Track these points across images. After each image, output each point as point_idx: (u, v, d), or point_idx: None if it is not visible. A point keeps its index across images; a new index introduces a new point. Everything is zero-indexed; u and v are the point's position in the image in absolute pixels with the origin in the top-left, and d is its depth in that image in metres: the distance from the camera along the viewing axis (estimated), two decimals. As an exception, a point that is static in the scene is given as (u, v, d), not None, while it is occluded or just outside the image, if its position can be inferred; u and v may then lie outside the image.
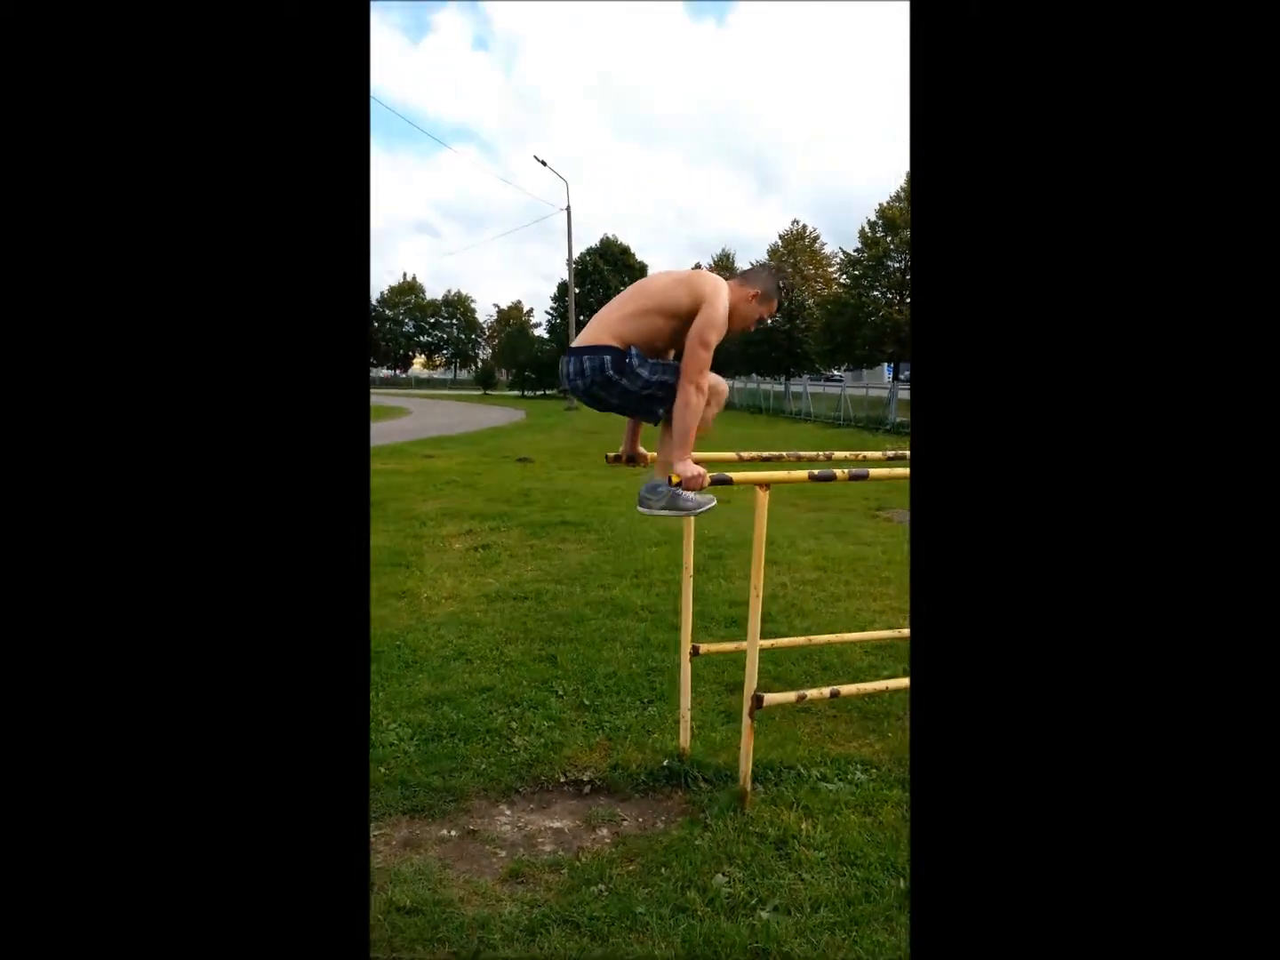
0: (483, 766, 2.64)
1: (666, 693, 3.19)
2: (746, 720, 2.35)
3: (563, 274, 41.80)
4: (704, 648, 2.89)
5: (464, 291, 69.24)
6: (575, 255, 37.73)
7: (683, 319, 2.26)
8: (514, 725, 2.94)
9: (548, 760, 2.70)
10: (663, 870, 2.08)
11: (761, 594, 2.32)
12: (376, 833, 2.26)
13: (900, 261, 31.05)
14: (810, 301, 38.32)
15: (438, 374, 73.05)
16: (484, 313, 70.61)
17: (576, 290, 34.03)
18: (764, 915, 1.90)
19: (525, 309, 66.81)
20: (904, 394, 19.09)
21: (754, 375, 37.42)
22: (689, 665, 2.75)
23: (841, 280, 35.69)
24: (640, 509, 2.37)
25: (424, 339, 67.97)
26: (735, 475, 2.29)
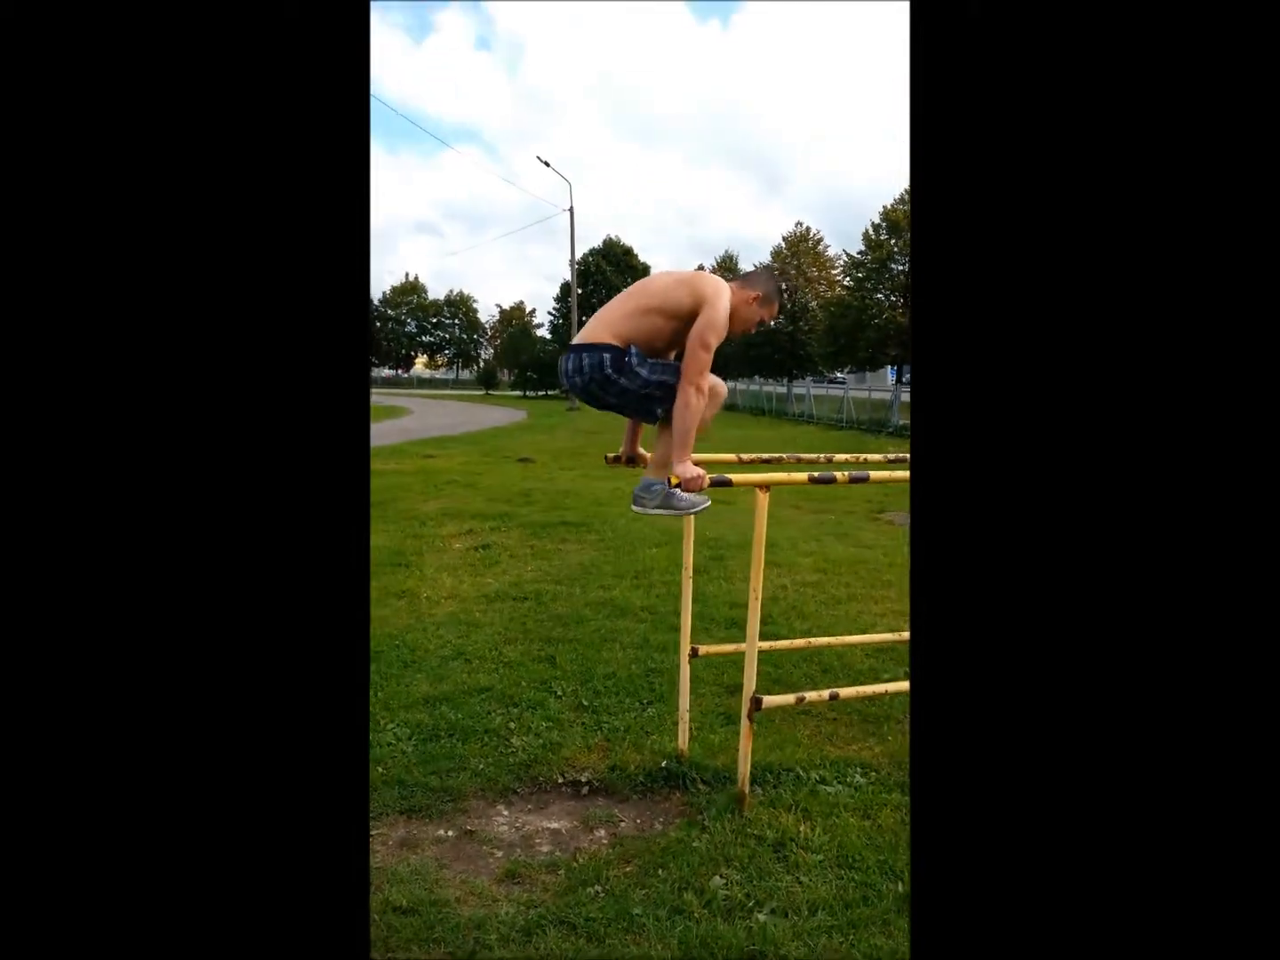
0: (480, 767, 2.63)
1: (666, 694, 3.19)
2: (745, 722, 2.34)
3: (565, 274, 41.88)
4: (703, 649, 2.88)
5: (466, 292, 69.40)
6: (578, 256, 37.81)
7: (683, 319, 2.26)
8: (512, 726, 2.94)
9: (546, 761, 2.69)
10: (660, 872, 2.08)
11: (761, 596, 2.32)
12: (374, 832, 2.26)
13: (904, 264, 31.03)
14: (813, 303, 38.32)
15: (440, 374, 73.11)
16: (486, 313, 70.78)
17: (579, 291, 34.04)
18: (761, 918, 1.89)
19: (528, 309, 66.84)
20: (907, 397, 19.07)
21: (756, 377, 37.42)
22: (688, 667, 2.75)
23: (845, 282, 35.69)
24: (634, 508, 2.37)
25: (426, 339, 68.04)
26: (735, 477, 2.29)
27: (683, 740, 2.72)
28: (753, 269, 2.90)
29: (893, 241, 31.08)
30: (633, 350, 2.24)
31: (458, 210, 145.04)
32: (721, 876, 2.06)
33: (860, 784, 2.54)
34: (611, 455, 2.68)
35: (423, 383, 67.89)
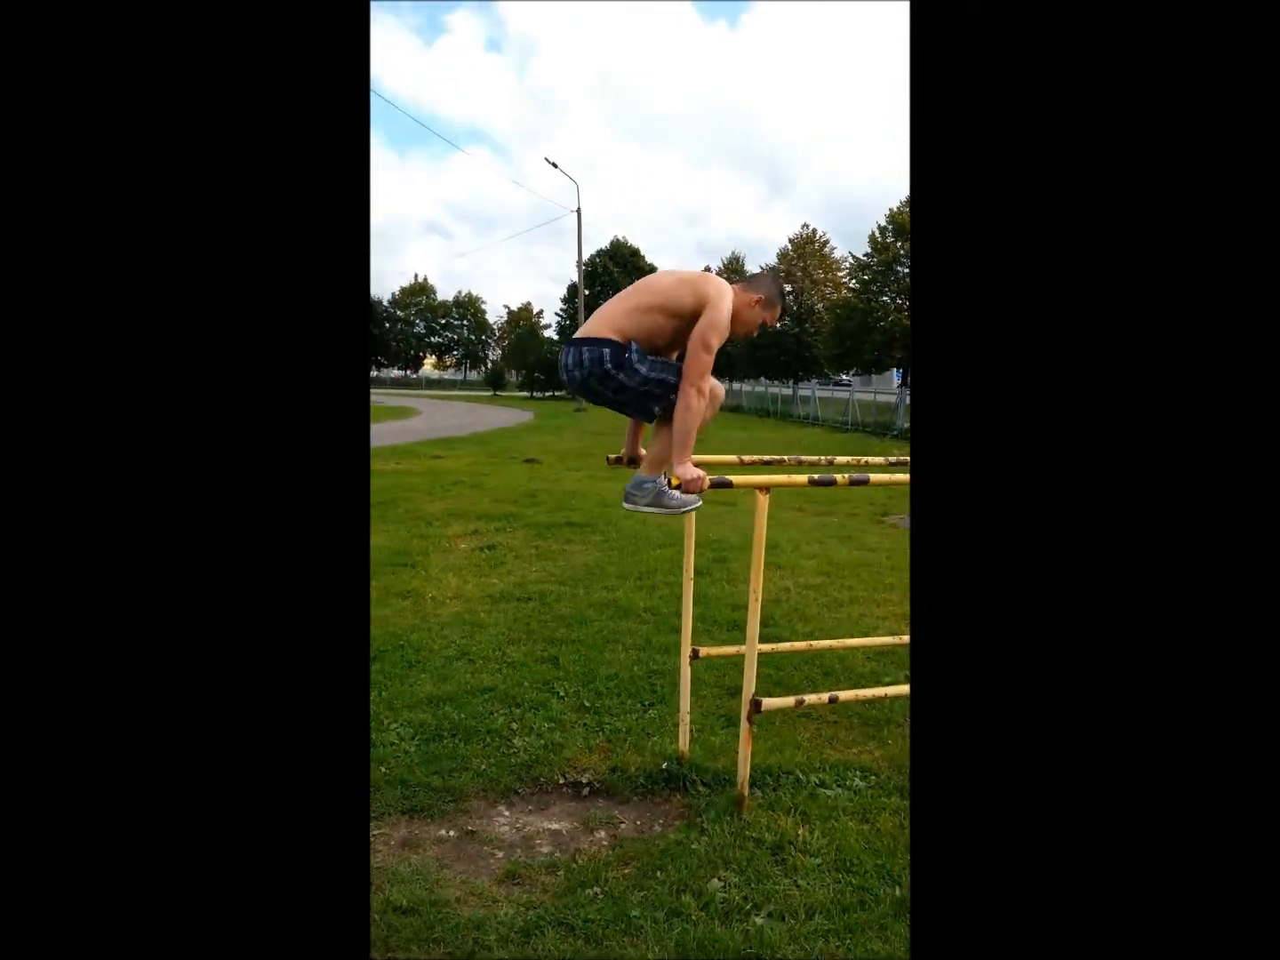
0: (482, 767, 2.64)
1: (667, 695, 3.20)
2: (744, 725, 2.35)
3: (572, 275, 41.95)
4: (704, 651, 2.89)
5: (474, 293, 69.76)
6: (585, 257, 37.82)
7: (685, 319, 2.27)
8: (514, 726, 2.95)
9: (547, 761, 2.70)
10: (658, 874, 2.08)
11: (762, 598, 2.32)
12: (375, 832, 2.27)
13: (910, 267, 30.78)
14: (819, 306, 38.24)
15: (448, 375, 73.19)
16: (494, 314, 70.90)
17: (586, 292, 34.06)
18: (758, 921, 1.90)
19: (535, 310, 66.97)
20: (913, 399, 18.97)
21: (762, 379, 37.35)
22: (689, 668, 2.76)
23: (851, 285, 35.58)
24: (625, 505, 2.38)
25: (434, 340, 68.14)
26: (735, 478, 2.30)
27: (683, 742, 2.73)
28: (759, 270, 2.90)
29: (899, 244, 30.99)
30: (633, 347, 2.24)
31: (466, 212, 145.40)
32: (720, 879, 2.06)
33: (860, 787, 2.54)
34: (613, 456, 2.69)
35: (431, 383, 68.01)
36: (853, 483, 2.35)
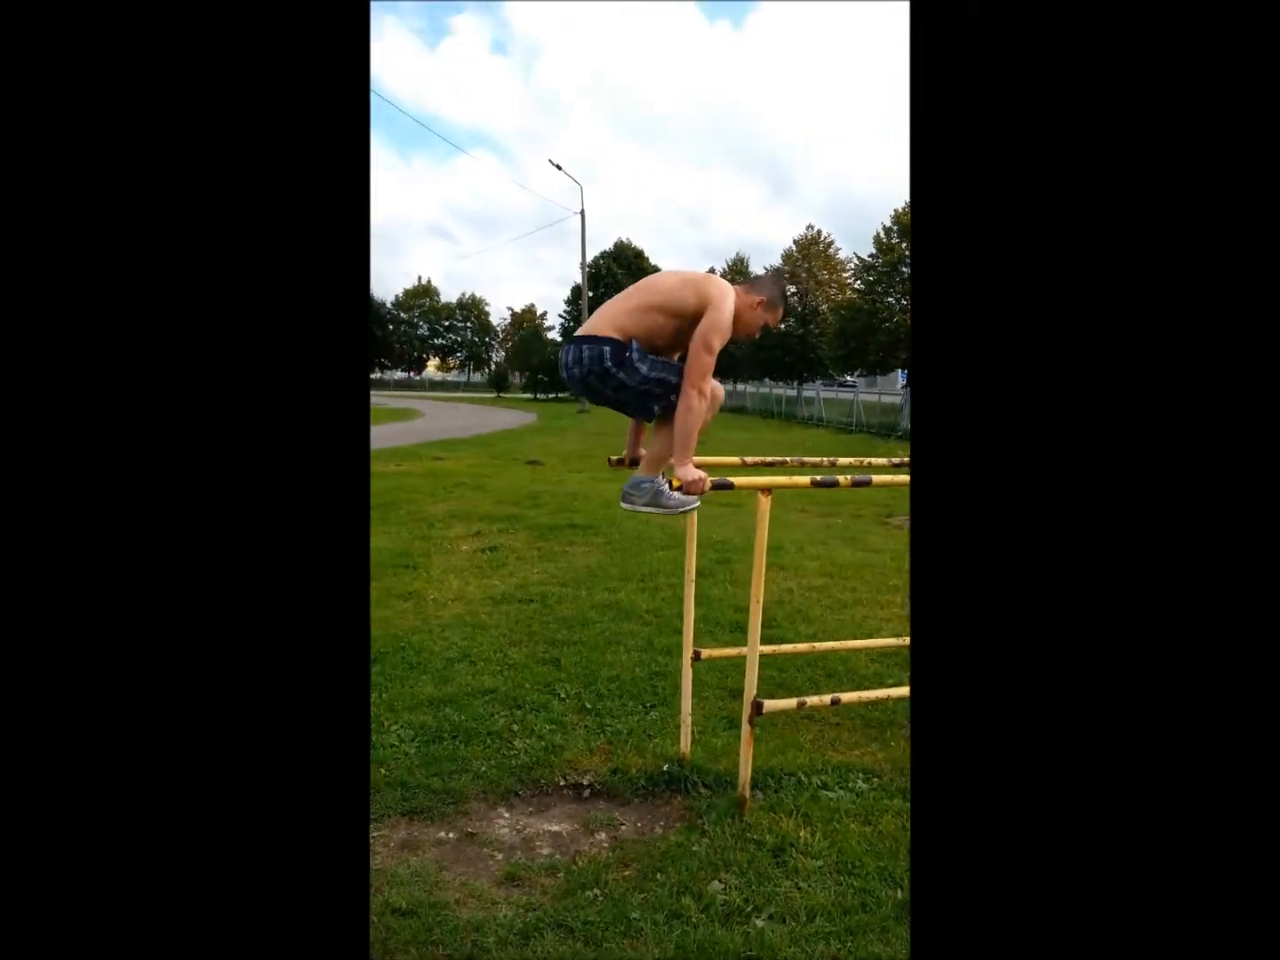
0: (483, 769, 2.64)
1: (669, 697, 3.19)
2: (746, 727, 2.34)
3: (576, 277, 41.99)
4: (706, 653, 2.88)
5: (478, 295, 69.63)
6: (589, 259, 37.88)
7: (687, 320, 2.26)
8: (515, 728, 2.95)
9: (548, 763, 2.69)
10: (659, 876, 2.08)
11: (764, 600, 2.32)
12: (375, 834, 2.26)
13: (915, 267, 30.67)
14: (824, 306, 38.22)
15: (451, 376, 73.38)
16: (498, 316, 71.02)
17: (590, 294, 34.10)
18: (759, 923, 1.89)
19: (539, 312, 67.08)
20: (917, 400, 18.96)
21: (766, 380, 37.34)
22: (690, 670, 2.75)
23: (856, 285, 35.57)
24: (623, 505, 2.38)
25: (438, 342, 68.31)
26: (736, 480, 2.29)
27: (685, 744, 2.72)
28: (763, 271, 2.90)
29: (904, 245, 30.98)
30: (634, 345, 2.24)
31: (469, 214, 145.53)
32: (720, 881, 2.05)
33: (862, 789, 2.53)
34: (615, 458, 2.69)
35: (435, 385, 68.17)
36: (855, 484, 2.34)
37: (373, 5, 1.07)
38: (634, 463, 2.62)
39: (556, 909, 1.94)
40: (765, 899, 1.98)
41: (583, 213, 30.52)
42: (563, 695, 3.24)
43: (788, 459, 2.84)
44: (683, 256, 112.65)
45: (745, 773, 2.36)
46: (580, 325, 2.50)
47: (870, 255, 32.51)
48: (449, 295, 69.29)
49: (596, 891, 2.02)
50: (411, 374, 69.66)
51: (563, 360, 2.33)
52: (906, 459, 2.77)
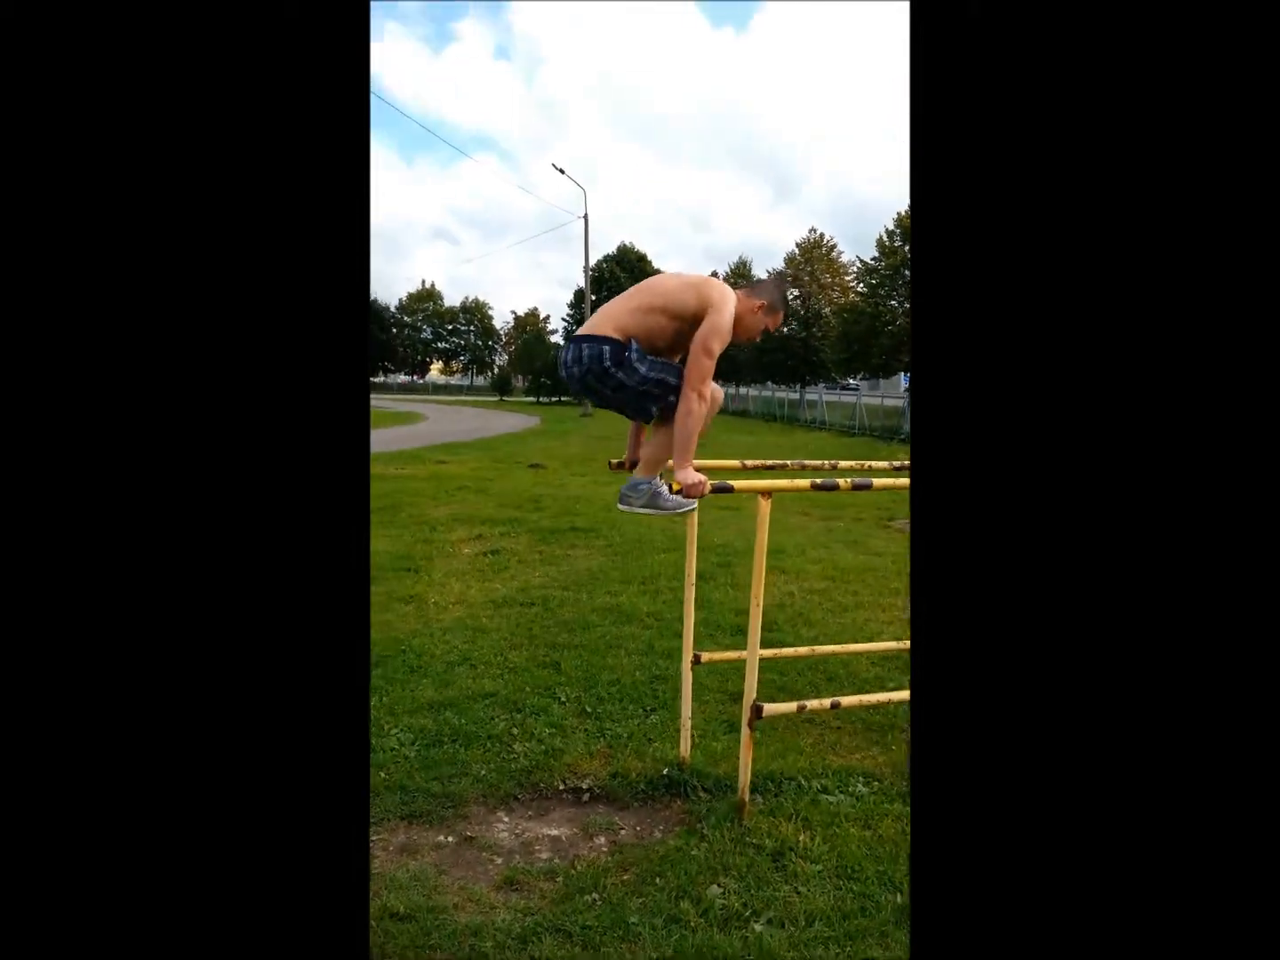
0: (483, 773, 2.63)
1: (669, 701, 3.18)
2: (746, 730, 2.33)
3: (579, 281, 42.01)
4: (706, 656, 2.88)
5: (481, 298, 69.73)
6: (592, 262, 37.94)
7: (687, 322, 2.26)
8: (515, 731, 2.94)
9: (548, 767, 2.69)
10: (657, 880, 2.07)
11: (763, 603, 2.31)
12: (374, 838, 2.26)
13: (918, 270, 30.60)
14: (827, 310, 38.20)
15: (455, 380, 73.40)
16: (501, 319, 71.10)
17: (593, 297, 34.13)
18: (757, 928, 1.88)
19: (542, 316, 67.08)
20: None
21: (769, 383, 37.32)
22: (690, 673, 2.74)
23: (858, 289, 35.54)
24: (620, 506, 2.38)
25: (442, 345, 68.33)
26: (736, 483, 2.29)
27: (685, 748, 2.72)
28: (765, 275, 2.90)
29: (907, 248, 30.97)
30: (633, 346, 2.24)
31: (473, 218, 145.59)
32: (719, 885, 2.05)
33: (862, 793, 2.52)
34: (615, 461, 2.69)
35: (438, 389, 68.22)
36: (855, 487, 2.34)
37: (377, 12, 1.07)
38: (634, 465, 2.62)
39: (555, 913, 1.94)
40: (764, 903, 1.97)
41: (586, 217, 30.59)
42: (563, 699, 3.24)
43: (788, 462, 2.84)
44: (685, 259, 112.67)
45: (745, 776, 2.35)
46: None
47: (873, 258, 32.48)
48: (452, 299, 69.43)
49: (595, 896, 2.01)
50: (415, 377, 69.76)
51: (562, 359, 2.33)
52: (908, 462, 2.77)
